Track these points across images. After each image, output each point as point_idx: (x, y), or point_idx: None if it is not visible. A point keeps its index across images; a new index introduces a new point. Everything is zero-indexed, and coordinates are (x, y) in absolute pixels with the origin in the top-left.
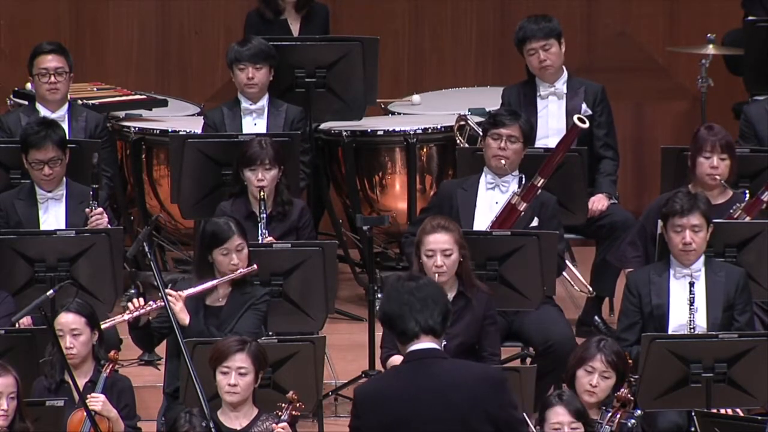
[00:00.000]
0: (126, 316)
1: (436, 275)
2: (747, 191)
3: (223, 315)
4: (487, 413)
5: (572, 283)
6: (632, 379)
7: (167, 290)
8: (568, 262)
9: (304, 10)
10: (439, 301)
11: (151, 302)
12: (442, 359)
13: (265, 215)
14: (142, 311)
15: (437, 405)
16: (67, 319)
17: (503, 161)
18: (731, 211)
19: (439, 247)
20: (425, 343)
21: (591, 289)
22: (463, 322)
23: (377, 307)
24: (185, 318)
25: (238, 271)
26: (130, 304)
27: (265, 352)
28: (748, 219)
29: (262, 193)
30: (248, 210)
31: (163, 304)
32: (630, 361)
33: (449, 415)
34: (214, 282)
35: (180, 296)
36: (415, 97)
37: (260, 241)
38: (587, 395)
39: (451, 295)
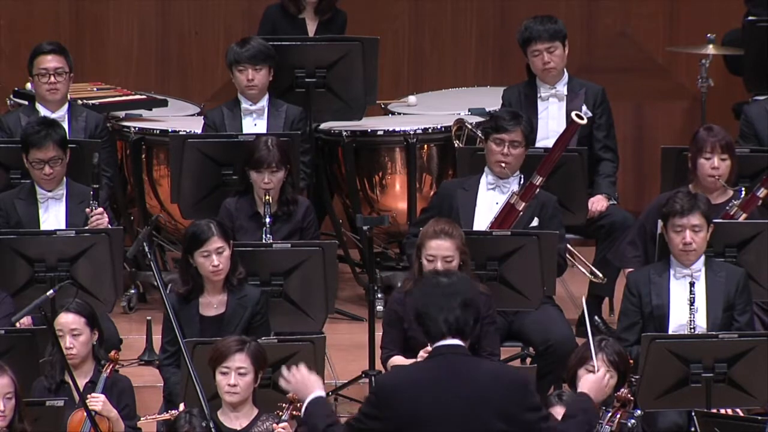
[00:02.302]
0: (165, 416)
1: None
2: (743, 188)
3: (224, 322)
4: (508, 414)
5: (582, 269)
6: (633, 379)
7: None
8: (573, 249)
9: (325, 15)
10: (471, 302)
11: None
12: (466, 357)
13: (269, 219)
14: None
15: (458, 402)
16: (67, 320)
17: (504, 165)
18: (727, 208)
19: (441, 253)
20: (451, 341)
21: (601, 275)
22: None
23: (378, 307)
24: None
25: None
26: (166, 414)
27: (265, 352)
28: (744, 215)
29: (267, 197)
30: (253, 210)
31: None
32: (631, 360)
33: (469, 413)
34: None
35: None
36: (411, 98)
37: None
38: None
39: None
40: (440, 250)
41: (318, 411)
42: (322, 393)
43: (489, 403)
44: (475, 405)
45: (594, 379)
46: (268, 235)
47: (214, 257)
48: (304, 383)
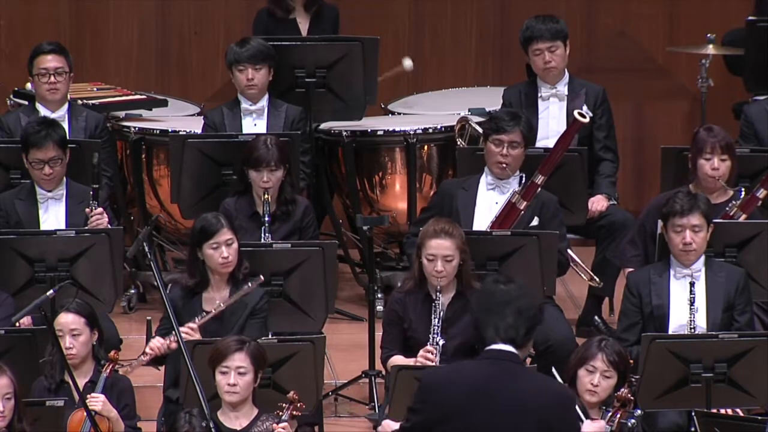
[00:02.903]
0: (144, 359)
1: (437, 281)
2: (743, 189)
3: (224, 319)
4: (549, 428)
5: (580, 274)
6: (633, 379)
7: (183, 328)
8: (572, 253)
9: (313, 9)
10: (527, 312)
11: (167, 340)
12: (514, 364)
13: (268, 218)
14: (159, 352)
15: (504, 408)
16: (67, 320)
17: (504, 166)
18: (727, 208)
19: (441, 252)
20: (502, 346)
21: (598, 279)
22: (462, 323)
23: (378, 307)
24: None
25: (248, 287)
26: (148, 349)
27: (264, 351)
28: (743, 216)
29: (266, 195)
30: (252, 209)
31: (173, 342)
32: (631, 361)
33: (511, 420)
34: (223, 307)
35: (194, 330)
36: (407, 62)
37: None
38: (588, 395)
39: (449, 296)
40: (440, 249)
41: None
42: None
43: (530, 413)
44: (514, 412)
45: (599, 427)
46: (266, 234)
47: (224, 249)
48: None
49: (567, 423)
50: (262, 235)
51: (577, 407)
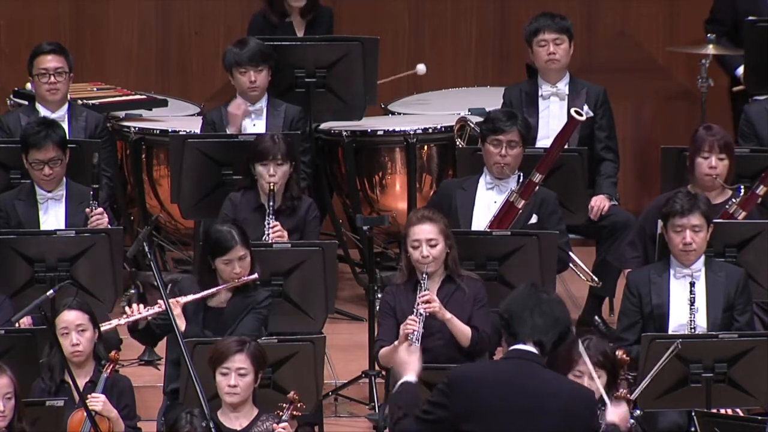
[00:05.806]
0: (123, 320)
1: (424, 266)
2: (742, 186)
3: (224, 317)
4: (571, 427)
5: (579, 274)
6: (629, 377)
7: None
8: (572, 254)
9: (310, 15)
10: (561, 322)
11: (148, 308)
12: (539, 366)
13: (273, 207)
14: (140, 316)
15: (529, 407)
16: (71, 317)
17: (505, 168)
18: (727, 206)
19: (425, 236)
20: (530, 347)
21: (596, 279)
22: (454, 306)
23: (377, 307)
24: (182, 324)
25: (240, 279)
26: (128, 309)
27: (265, 352)
28: (743, 214)
29: (272, 186)
30: (257, 203)
31: (159, 309)
32: (628, 358)
33: (538, 421)
34: (214, 290)
35: (178, 302)
36: (420, 67)
37: (266, 232)
38: None
39: (438, 281)
40: (423, 233)
41: (400, 397)
42: (412, 379)
43: (552, 414)
44: (538, 412)
45: (624, 410)
46: (270, 217)
47: (236, 264)
48: (404, 363)
49: (589, 424)
50: (266, 221)
51: None
